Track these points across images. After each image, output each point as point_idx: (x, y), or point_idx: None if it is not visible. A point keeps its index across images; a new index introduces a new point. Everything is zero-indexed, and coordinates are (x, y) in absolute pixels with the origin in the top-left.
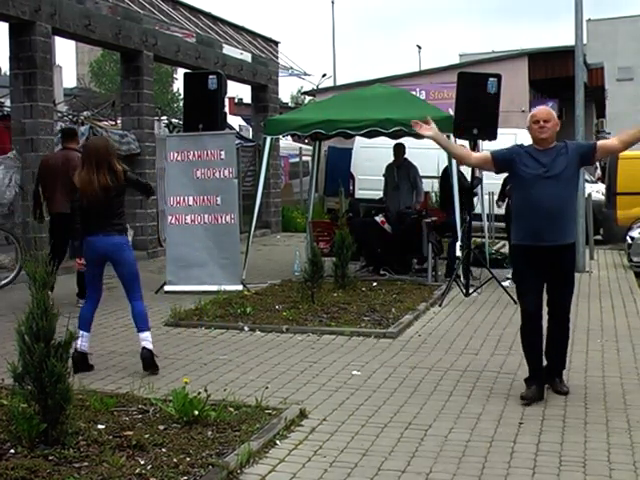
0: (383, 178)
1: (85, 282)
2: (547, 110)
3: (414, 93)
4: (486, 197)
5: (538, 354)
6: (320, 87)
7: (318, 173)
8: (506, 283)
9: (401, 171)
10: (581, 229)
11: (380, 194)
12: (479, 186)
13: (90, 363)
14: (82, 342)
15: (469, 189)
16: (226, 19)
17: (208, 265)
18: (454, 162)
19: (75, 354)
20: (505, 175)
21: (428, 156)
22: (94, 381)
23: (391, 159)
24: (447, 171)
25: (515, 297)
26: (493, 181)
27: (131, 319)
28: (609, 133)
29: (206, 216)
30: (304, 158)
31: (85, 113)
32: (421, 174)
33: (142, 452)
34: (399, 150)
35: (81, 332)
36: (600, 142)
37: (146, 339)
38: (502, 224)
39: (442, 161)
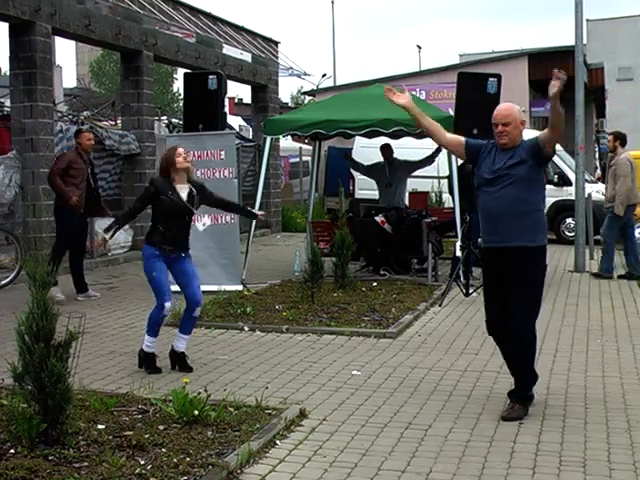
0: (366, 176)
1: None
2: (507, 111)
3: (414, 93)
4: None
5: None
6: (320, 87)
7: (318, 173)
8: None
9: (393, 168)
10: (581, 229)
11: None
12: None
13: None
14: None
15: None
16: (226, 19)
17: (208, 265)
18: (454, 162)
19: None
20: None
21: None
22: (94, 381)
23: None
24: (460, 170)
25: None
26: None
27: (131, 319)
28: (609, 133)
29: (206, 216)
30: (304, 158)
31: (85, 113)
32: (421, 174)
33: (142, 452)
34: (387, 151)
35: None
36: (541, 133)
37: (147, 341)
38: None
39: (442, 161)
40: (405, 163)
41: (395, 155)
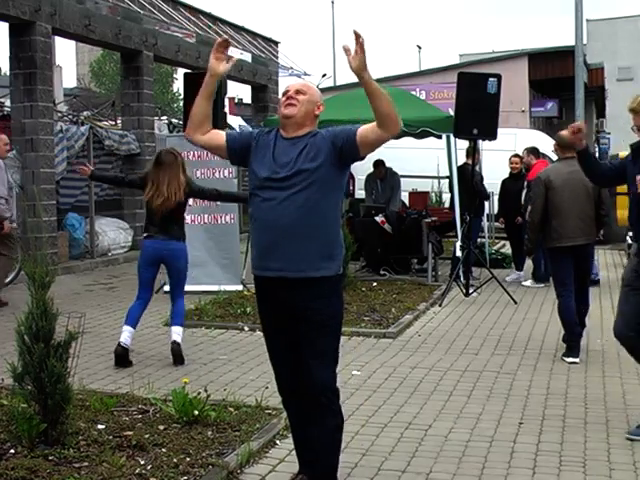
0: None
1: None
2: (306, 86)
3: (414, 93)
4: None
5: (297, 441)
6: (320, 87)
7: None
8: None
9: (385, 184)
10: None
11: None
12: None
13: (130, 359)
14: (126, 337)
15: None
16: (226, 19)
17: (208, 265)
18: (454, 162)
19: (118, 348)
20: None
21: (428, 156)
22: (94, 381)
23: (391, 160)
24: (460, 170)
25: (515, 297)
26: (495, 181)
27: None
28: (609, 133)
29: (206, 216)
30: None
31: (85, 113)
32: (421, 174)
33: (142, 452)
34: (380, 169)
35: (126, 327)
36: (361, 127)
37: (177, 332)
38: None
39: (442, 161)
40: (395, 179)
41: (391, 162)
